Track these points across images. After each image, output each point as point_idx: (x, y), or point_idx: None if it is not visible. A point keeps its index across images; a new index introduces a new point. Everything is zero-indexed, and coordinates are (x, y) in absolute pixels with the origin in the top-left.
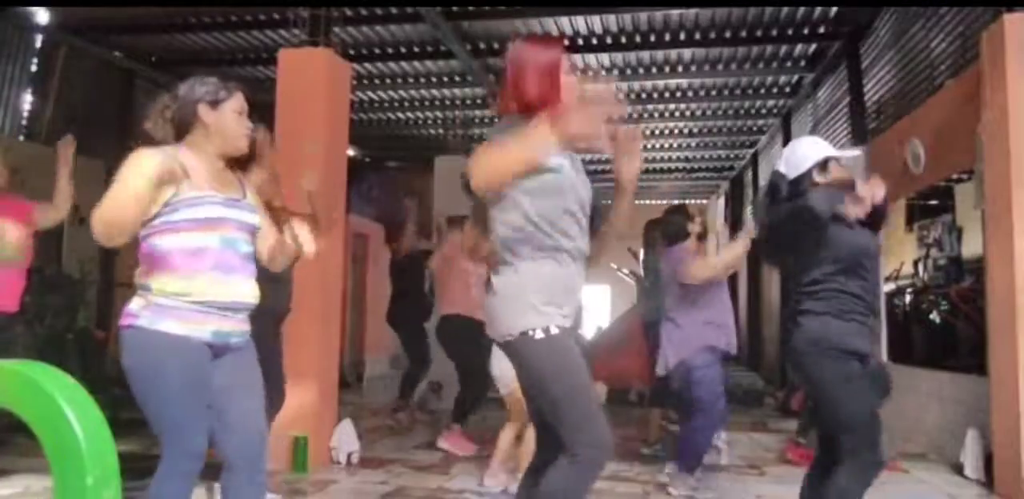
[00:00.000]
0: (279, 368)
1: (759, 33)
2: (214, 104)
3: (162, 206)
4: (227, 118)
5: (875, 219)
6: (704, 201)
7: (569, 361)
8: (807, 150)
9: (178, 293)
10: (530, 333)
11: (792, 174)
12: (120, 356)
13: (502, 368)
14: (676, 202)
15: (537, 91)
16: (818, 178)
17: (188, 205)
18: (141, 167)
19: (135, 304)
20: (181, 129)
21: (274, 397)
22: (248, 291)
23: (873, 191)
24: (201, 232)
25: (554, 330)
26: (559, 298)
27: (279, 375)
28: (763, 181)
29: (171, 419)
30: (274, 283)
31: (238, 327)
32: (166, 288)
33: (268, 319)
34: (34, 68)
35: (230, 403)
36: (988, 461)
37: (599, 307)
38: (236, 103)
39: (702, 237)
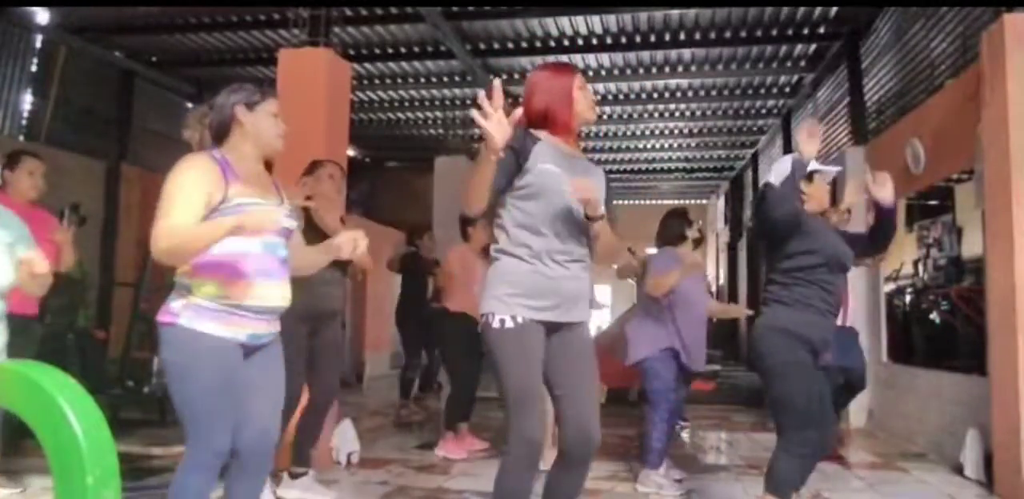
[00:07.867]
0: (301, 369)
1: (759, 33)
2: (250, 106)
3: (210, 211)
4: (263, 119)
5: (882, 227)
6: (704, 201)
7: (517, 354)
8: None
9: (217, 296)
10: (489, 319)
11: (778, 182)
12: (159, 350)
13: None
14: (677, 203)
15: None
16: (805, 189)
17: (235, 211)
18: (197, 186)
19: (175, 303)
20: (220, 133)
21: (291, 397)
22: (284, 295)
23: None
24: (245, 237)
25: (509, 323)
26: (531, 294)
27: (300, 376)
28: (763, 182)
29: (198, 416)
30: (303, 282)
31: (270, 329)
32: (206, 291)
33: (292, 319)
34: (34, 68)
35: (251, 399)
36: (988, 461)
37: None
38: (271, 106)
39: (698, 243)
